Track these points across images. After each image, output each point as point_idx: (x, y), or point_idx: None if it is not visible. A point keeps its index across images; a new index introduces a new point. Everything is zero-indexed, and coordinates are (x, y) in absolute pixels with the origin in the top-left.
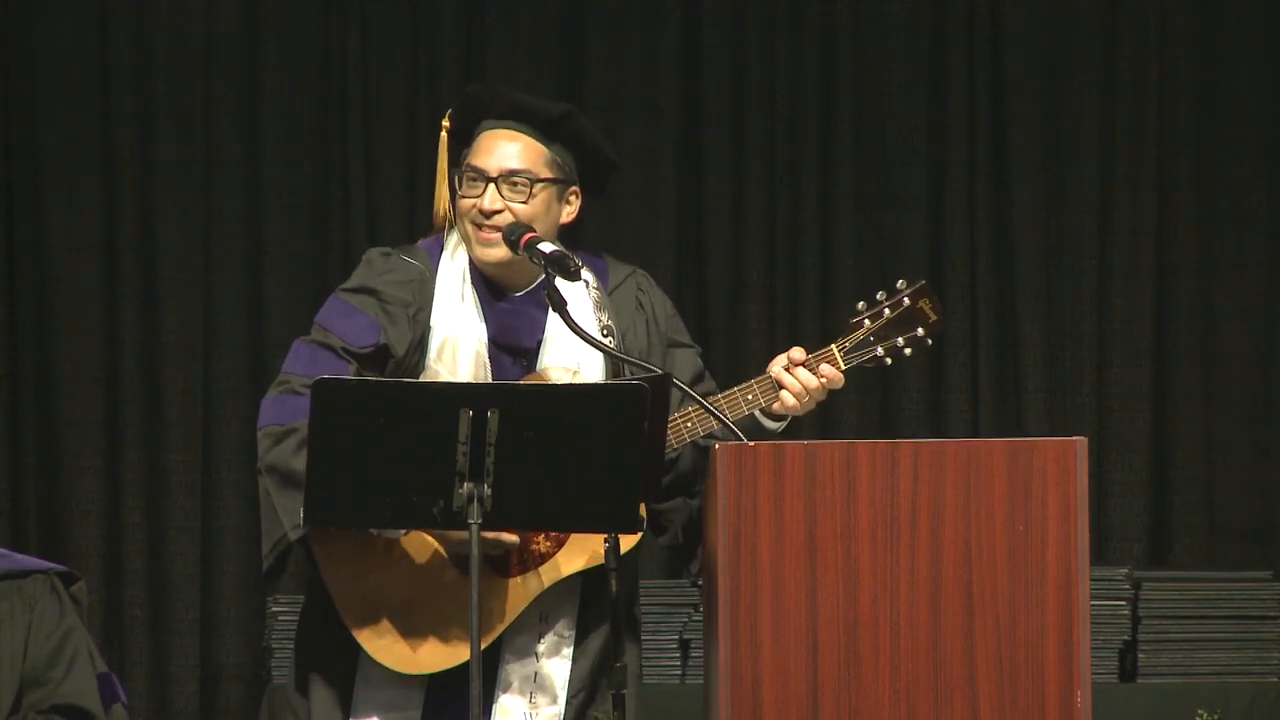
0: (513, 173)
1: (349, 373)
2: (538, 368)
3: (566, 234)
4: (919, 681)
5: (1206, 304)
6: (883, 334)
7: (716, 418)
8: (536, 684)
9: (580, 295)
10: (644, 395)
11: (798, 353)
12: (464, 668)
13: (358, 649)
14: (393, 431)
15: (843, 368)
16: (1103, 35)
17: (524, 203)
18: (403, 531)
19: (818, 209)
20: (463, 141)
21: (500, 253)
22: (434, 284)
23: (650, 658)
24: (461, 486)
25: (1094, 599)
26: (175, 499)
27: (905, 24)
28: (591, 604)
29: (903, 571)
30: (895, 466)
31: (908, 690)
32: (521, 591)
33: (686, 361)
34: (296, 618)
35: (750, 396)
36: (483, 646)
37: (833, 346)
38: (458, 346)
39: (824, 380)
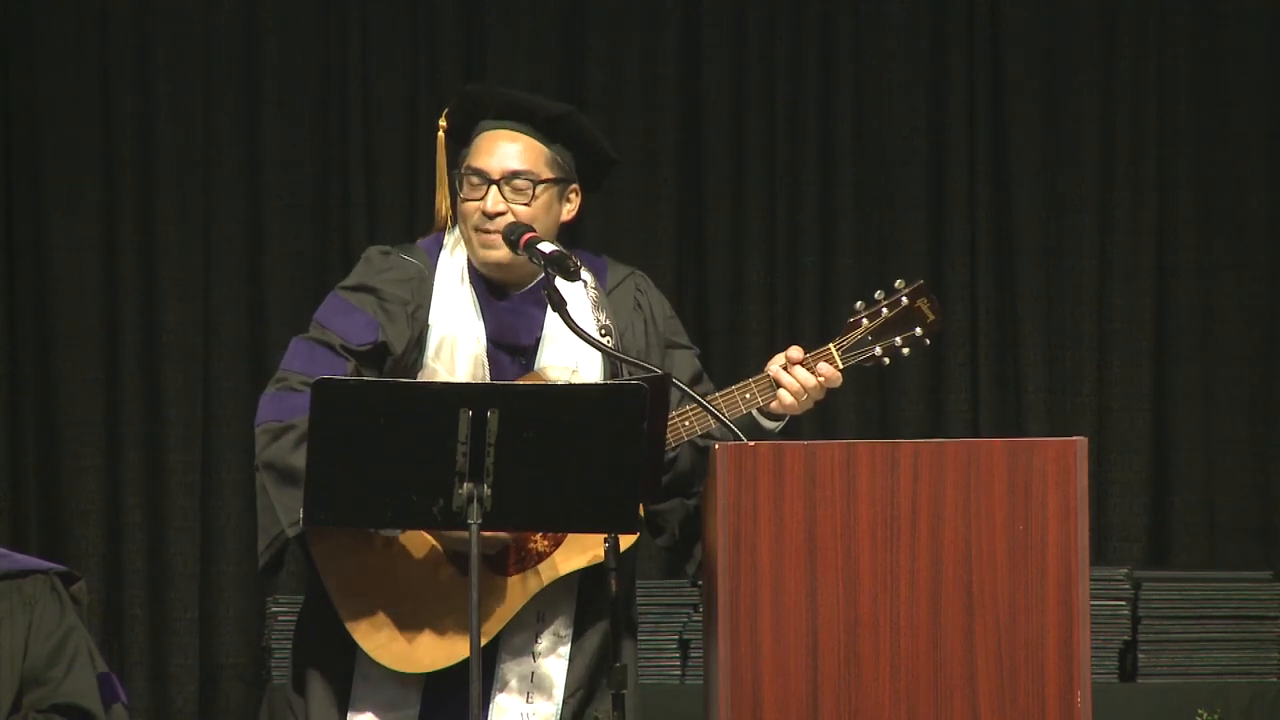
0: (515, 174)
1: (347, 370)
2: (536, 367)
3: (566, 234)
4: (919, 681)
5: (1206, 304)
6: (881, 334)
7: (716, 417)
8: (534, 683)
9: (579, 295)
10: (644, 395)
11: (795, 351)
12: (462, 666)
13: (356, 647)
14: (393, 431)
15: (840, 367)
16: (1103, 35)
17: (527, 204)
18: (399, 529)
19: (818, 209)
20: (460, 141)
21: (502, 254)
22: (432, 282)
23: (650, 658)
24: (461, 486)
25: (1094, 599)
26: (175, 499)
27: (905, 24)
28: (589, 603)
29: (903, 571)
30: (895, 466)
31: (908, 690)
32: (519, 590)
33: (685, 362)
34: (296, 618)
35: (748, 395)
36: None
37: (830, 346)
38: (456, 345)
39: (822, 379)
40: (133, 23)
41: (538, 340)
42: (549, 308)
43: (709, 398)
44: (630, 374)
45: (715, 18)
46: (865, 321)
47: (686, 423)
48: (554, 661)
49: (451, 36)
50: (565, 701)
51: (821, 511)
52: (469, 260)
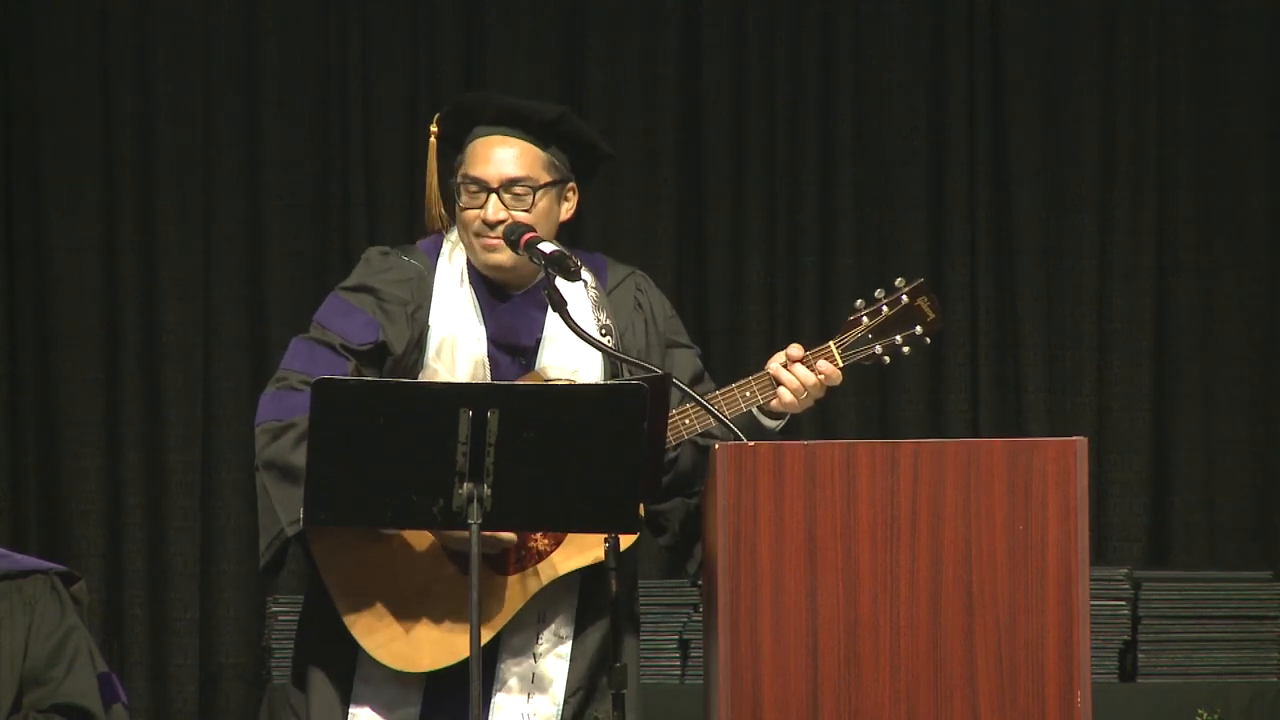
0: (514, 181)
1: (347, 370)
2: (536, 367)
3: (566, 234)
4: (919, 681)
5: (1206, 304)
6: (881, 332)
7: (715, 417)
8: (534, 684)
9: (579, 295)
10: (644, 395)
11: (795, 349)
12: (463, 666)
13: (356, 647)
14: (393, 431)
15: (841, 365)
16: (1103, 35)
17: (527, 210)
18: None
19: (818, 209)
20: (453, 147)
21: (504, 257)
22: (432, 283)
23: (650, 658)
24: (461, 486)
25: (1094, 599)
26: (175, 499)
27: (905, 24)
28: (590, 603)
29: (903, 571)
30: (895, 466)
31: (908, 690)
32: (519, 590)
33: (685, 362)
34: (296, 617)
35: (748, 394)
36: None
37: (831, 344)
38: (456, 346)
39: (822, 377)
40: (133, 23)
41: (538, 341)
42: (549, 308)
43: (709, 396)
44: (631, 374)
45: (715, 18)
46: (865, 320)
47: (687, 421)
48: (554, 661)
49: (451, 36)
50: (566, 701)
51: (821, 511)
52: (468, 261)
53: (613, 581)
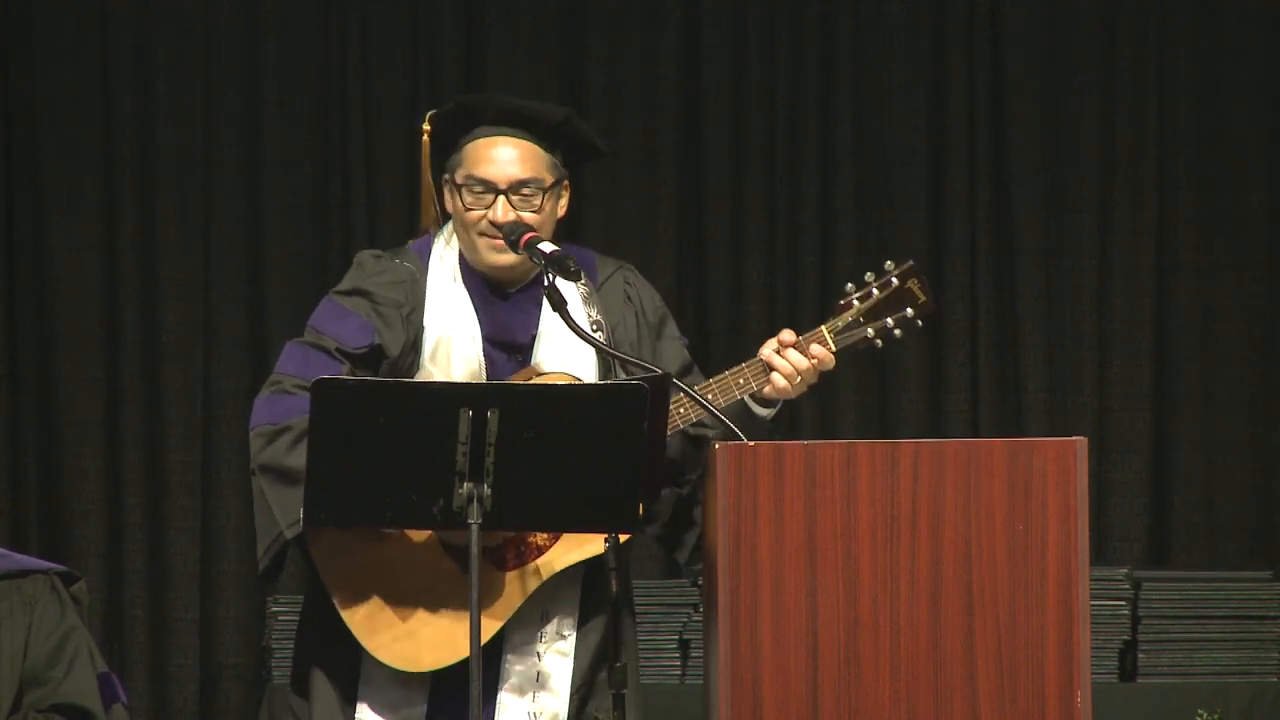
0: (522, 183)
1: (342, 373)
2: (531, 361)
3: (564, 230)
4: (919, 681)
5: (1206, 304)
6: (872, 315)
7: (714, 415)
8: (538, 681)
9: (570, 291)
10: (644, 395)
11: (787, 334)
12: (467, 664)
13: (358, 648)
14: (393, 431)
15: (833, 349)
16: (1103, 35)
17: (535, 211)
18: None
19: (818, 209)
20: (447, 145)
21: (510, 258)
22: (425, 284)
23: (650, 658)
24: (461, 486)
25: (1094, 599)
26: (175, 499)
27: (905, 24)
28: (591, 598)
29: (903, 571)
30: (895, 466)
31: (908, 690)
32: (519, 586)
33: (674, 353)
34: (297, 618)
35: (741, 380)
36: (482, 642)
37: (822, 328)
38: (451, 346)
39: (814, 361)
40: (133, 23)
41: (533, 338)
42: (544, 306)
43: (702, 384)
44: (629, 373)
45: (715, 18)
46: (856, 303)
47: (682, 410)
48: (557, 659)
49: (451, 36)
50: (570, 698)
51: (821, 511)
52: (460, 260)
53: (613, 582)
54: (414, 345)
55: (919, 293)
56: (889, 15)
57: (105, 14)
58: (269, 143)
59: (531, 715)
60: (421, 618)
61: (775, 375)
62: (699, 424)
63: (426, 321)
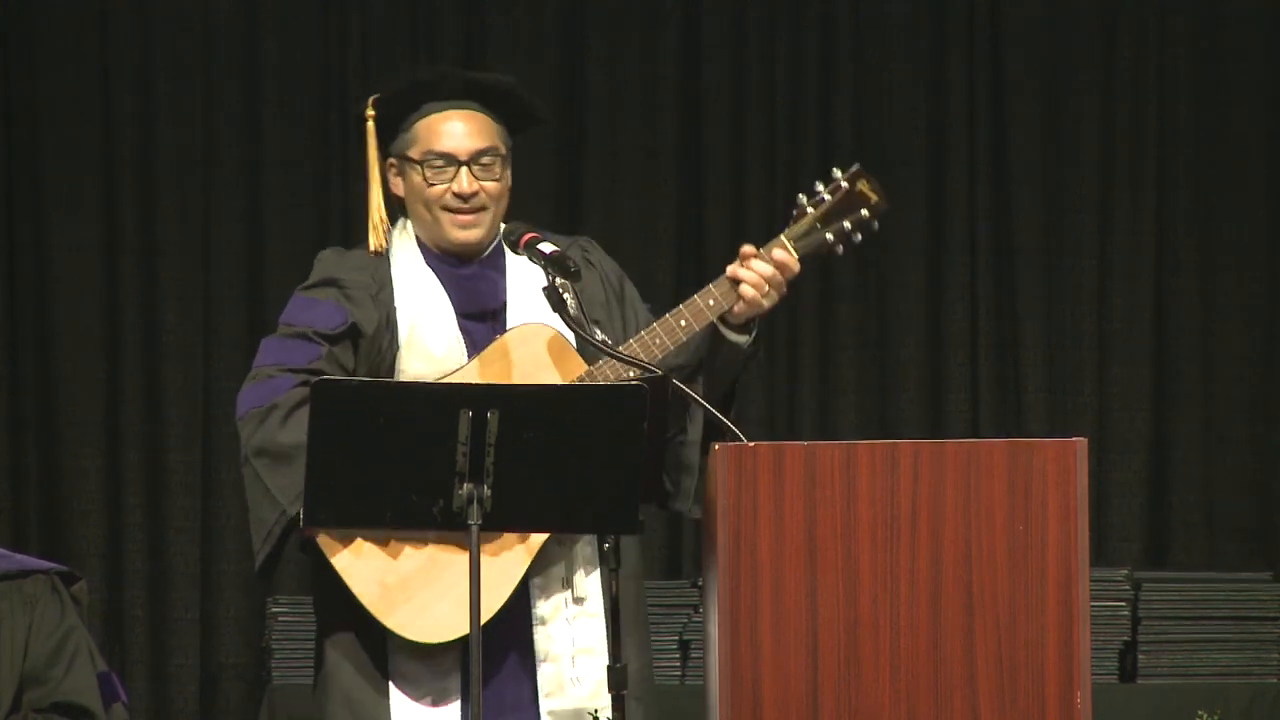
0: (481, 152)
1: (321, 355)
2: (506, 328)
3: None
4: (919, 681)
5: (1206, 304)
6: (828, 219)
7: (712, 415)
8: (576, 646)
9: (535, 270)
10: (644, 395)
11: (748, 248)
12: (496, 634)
13: (382, 629)
14: (393, 431)
15: (794, 253)
16: (1103, 35)
17: (496, 180)
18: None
19: None
20: (390, 128)
21: (479, 233)
22: (389, 267)
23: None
24: (461, 487)
25: (1094, 599)
26: (175, 499)
27: (905, 24)
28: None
29: (903, 571)
30: (895, 466)
31: (908, 690)
32: (523, 546)
33: (644, 315)
34: (296, 618)
35: (711, 302)
36: (500, 606)
37: (781, 236)
38: (428, 327)
39: (778, 266)
40: (133, 23)
41: (504, 303)
42: (508, 269)
43: (673, 311)
44: (602, 340)
45: (715, 18)
46: (811, 210)
47: (657, 340)
48: (586, 621)
49: (451, 37)
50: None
51: (821, 511)
52: (419, 243)
53: (614, 582)
54: (388, 325)
55: (870, 193)
56: (889, 15)
57: (105, 14)
58: (269, 143)
59: (573, 681)
60: (437, 590)
61: (743, 287)
62: (678, 368)
63: (398, 302)
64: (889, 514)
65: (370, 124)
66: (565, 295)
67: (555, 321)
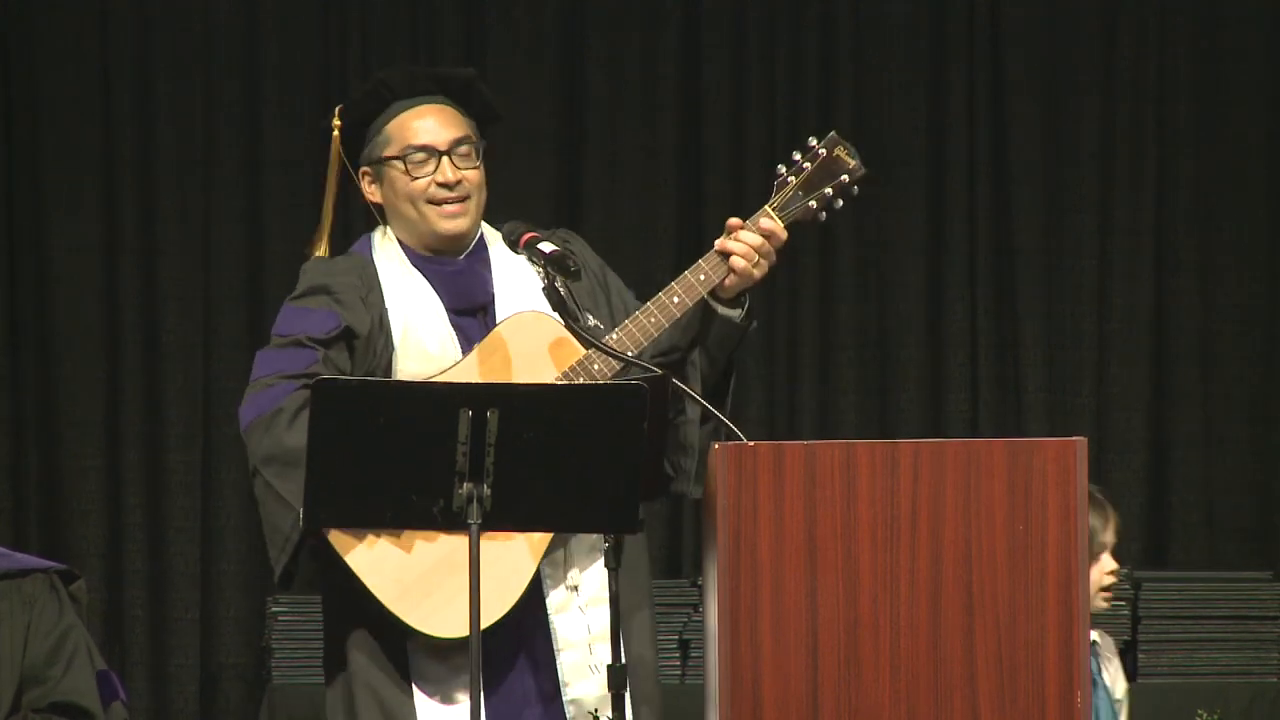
0: (458, 141)
1: (318, 359)
2: (497, 320)
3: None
4: (919, 681)
5: (1206, 304)
6: (809, 187)
7: (711, 413)
8: (591, 633)
9: (519, 261)
10: (644, 395)
11: (734, 220)
12: (513, 627)
13: (400, 634)
14: (393, 431)
15: (780, 221)
16: (1103, 35)
17: (476, 167)
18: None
19: None
20: (359, 134)
21: (465, 222)
22: (375, 270)
23: None
24: (461, 486)
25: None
26: (175, 499)
27: (905, 24)
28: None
29: (903, 571)
30: (895, 466)
31: (908, 690)
32: (528, 543)
33: (630, 300)
34: (296, 618)
35: (702, 276)
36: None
37: (765, 207)
38: (420, 327)
39: (766, 234)
40: (133, 23)
41: (492, 296)
42: (493, 261)
43: (665, 288)
44: (593, 326)
45: (715, 18)
46: (792, 180)
47: (651, 319)
48: (599, 609)
49: (451, 37)
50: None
51: (821, 511)
52: (401, 245)
53: (614, 582)
54: (381, 327)
55: (847, 158)
56: (889, 15)
57: (105, 14)
58: (269, 143)
59: (592, 669)
60: (454, 584)
61: (734, 259)
62: (673, 348)
63: (388, 303)
64: (889, 514)
65: (336, 134)
66: (565, 294)
67: (541, 300)
